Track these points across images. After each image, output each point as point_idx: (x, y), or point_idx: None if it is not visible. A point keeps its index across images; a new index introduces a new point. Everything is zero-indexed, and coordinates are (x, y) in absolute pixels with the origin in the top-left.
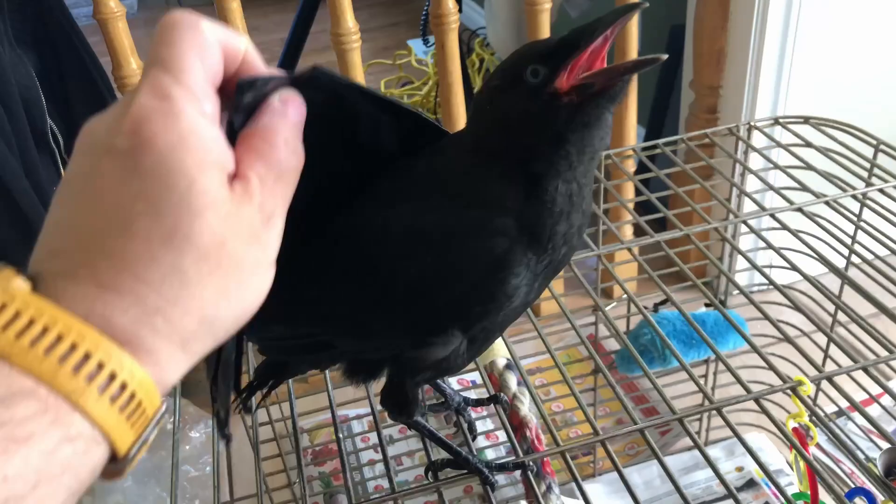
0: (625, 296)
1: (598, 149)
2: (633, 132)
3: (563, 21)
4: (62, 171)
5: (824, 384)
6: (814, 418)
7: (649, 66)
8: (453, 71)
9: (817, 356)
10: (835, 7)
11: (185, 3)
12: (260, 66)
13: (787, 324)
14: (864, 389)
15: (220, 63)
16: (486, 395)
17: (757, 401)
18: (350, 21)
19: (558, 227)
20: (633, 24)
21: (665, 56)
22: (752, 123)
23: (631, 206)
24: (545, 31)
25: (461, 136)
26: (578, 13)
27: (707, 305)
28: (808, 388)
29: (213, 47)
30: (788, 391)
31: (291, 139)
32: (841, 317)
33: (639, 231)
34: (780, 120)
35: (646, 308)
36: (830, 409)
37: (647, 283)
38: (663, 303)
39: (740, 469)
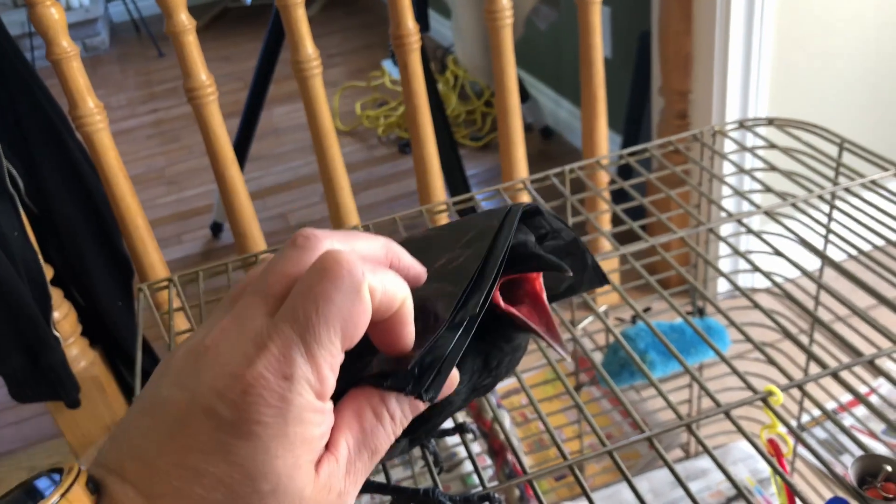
0: (603, 307)
1: None
2: (604, 142)
3: (531, 32)
4: (22, 214)
5: (812, 386)
6: (791, 428)
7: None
8: (418, 91)
9: (802, 359)
10: (797, 8)
11: (153, 32)
12: (409, 326)
13: (770, 328)
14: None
15: (366, 325)
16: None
17: (727, 414)
18: (309, 48)
19: None
20: (597, 33)
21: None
22: (717, 129)
23: (607, 216)
24: (508, 47)
25: None
26: (546, 25)
27: (690, 313)
28: (779, 398)
29: (367, 315)
30: (760, 402)
31: (397, 427)
32: (824, 315)
33: (623, 240)
34: (746, 123)
35: (622, 321)
36: (828, 405)
37: (630, 293)
38: (646, 311)
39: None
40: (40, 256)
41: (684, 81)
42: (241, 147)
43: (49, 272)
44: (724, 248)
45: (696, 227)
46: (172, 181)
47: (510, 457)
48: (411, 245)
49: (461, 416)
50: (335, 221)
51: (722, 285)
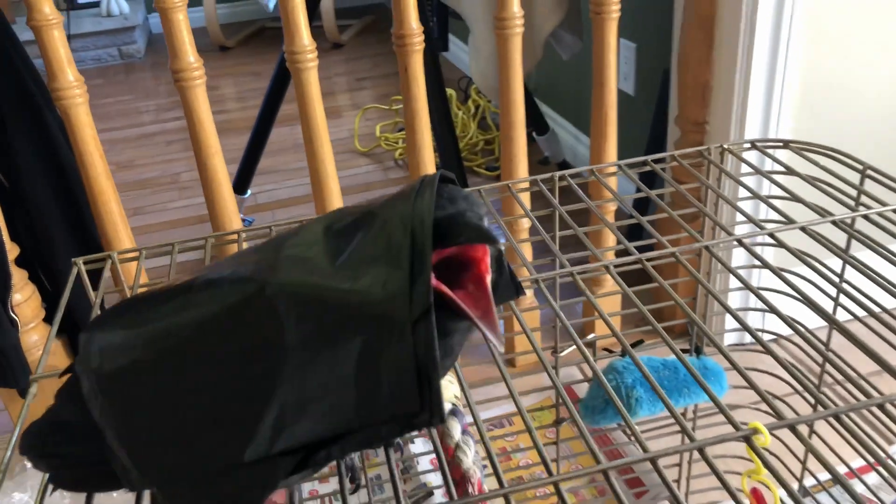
0: (591, 336)
1: None
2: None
3: (554, 65)
4: None
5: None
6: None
7: None
8: (418, 96)
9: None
10: (823, 38)
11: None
12: None
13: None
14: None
15: None
16: None
17: (701, 451)
18: (305, 38)
19: None
20: (612, 52)
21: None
22: (727, 146)
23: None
24: (516, 58)
25: None
26: (569, 55)
27: (686, 350)
28: (766, 439)
29: None
30: (741, 440)
31: None
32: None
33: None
34: (758, 144)
35: (611, 352)
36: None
37: (629, 321)
38: (633, 346)
39: None
40: (4, 234)
41: (701, 111)
42: (250, 158)
43: (14, 251)
44: (734, 282)
45: (691, 245)
46: (186, 187)
47: (470, 488)
48: (346, 213)
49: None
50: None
51: (731, 322)
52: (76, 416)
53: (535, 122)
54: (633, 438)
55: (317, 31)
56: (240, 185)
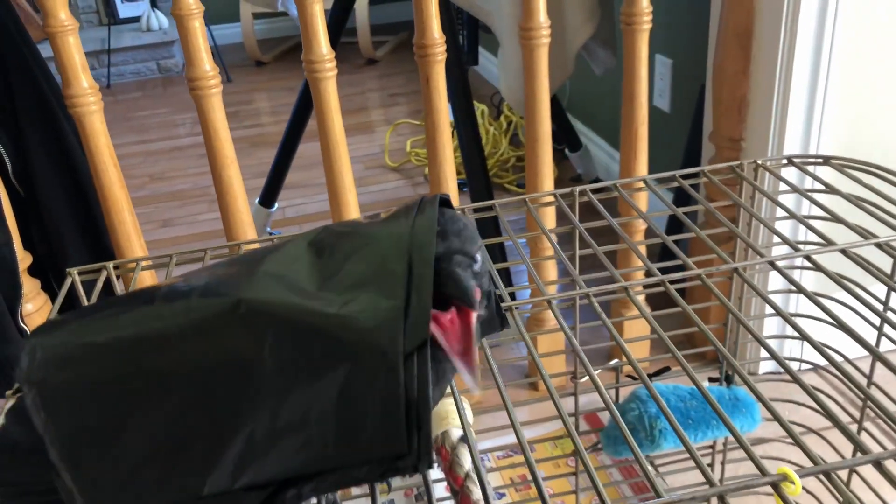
0: (614, 361)
1: None
2: None
3: (588, 82)
4: (1, 194)
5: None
6: None
7: None
8: (440, 108)
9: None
10: (866, 50)
11: (224, 60)
12: None
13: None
14: None
15: None
16: None
17: (721, 498)
18: (324, 47)
19: None
20: (643, 64)
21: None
22: (760, 162)
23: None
24: (542, 69)
25: None
26: (603, 71)
27: (711, 381)
28: (796, 487)
29: None
30: (769, 486)
31: None
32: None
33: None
34: (795, 160)
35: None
36: None
37: (658, 346)
38: (658, 373)
39: None
40: (17, 241)
41: (737, 128)
42: (278, 172)
43: (27, 260)
44: (770, 308)
45: (719, 267)
46: (216, 199)
47: None
48: (334, 231)
49: None
50: None
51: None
52: (24, 437)
53: (568, 139)
54: (658, 471)
55: (352, 47)
56: (267, 199)
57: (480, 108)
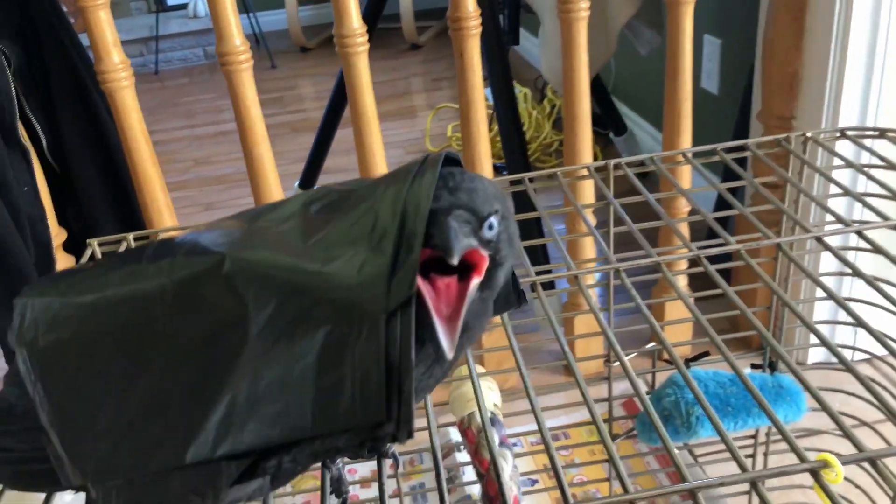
0: (650, 345)
1: None
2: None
3: (633, 64)
4: (36, 170)
5: None
6: None
7: None
8: (475, 84)
9: None
10: None
11: (269, 46)
12: None
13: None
14: None
15: None
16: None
17: (754, 483)
18: (355, 21)
19: None
20: (687, 38)
21: None
22: (810, 135)
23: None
24: (581, 44)
25: None
26: (648, 51)
27: (754, 367)
28: (838, 475)
29: None
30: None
31: None
32: None
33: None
34: (849, 133)
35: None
36: None
37: (683, 331)
38: (696, 358)
39: None
40: (52, 217)
41: (787, 105)
42: (317, 155)
43: (62, 236)
44: (821, 292)
45: (759, 241)
46: None
47: None
48: (333, 189)
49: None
50: None
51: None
52: (19, 399)
53: (614, 123)
54: (697, 461)
55: (395, 32)
56: (307, 182)
57: (523, 91)
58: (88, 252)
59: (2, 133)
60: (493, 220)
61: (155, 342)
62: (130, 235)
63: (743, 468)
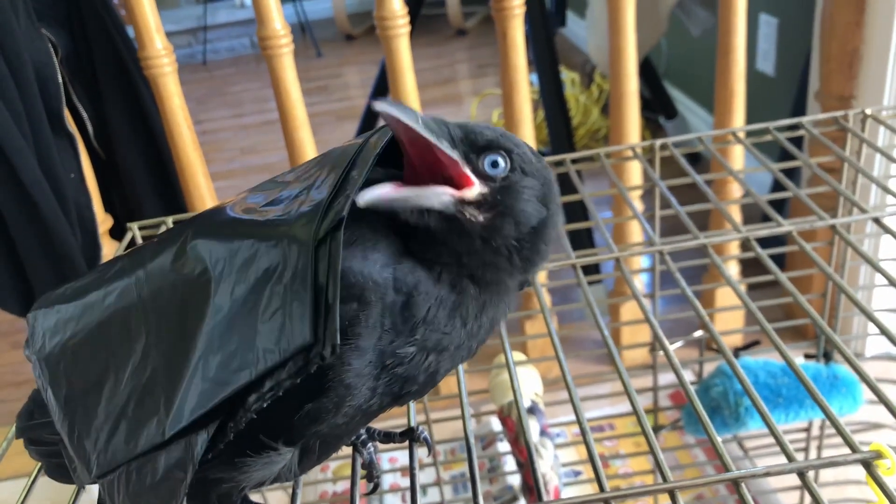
0: (697, 333)
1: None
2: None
3: (684, 47)
4: (82, 157)
5: None
6: None
7: None
8: (517, 64)
9: None
10: None
11: (315, 35)
12: None
13: None
14: None
15: None
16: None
17: (801, 474)
18: (396, 3)
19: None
20: (737, 15)
21: None
22: (868, 112)
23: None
24: (629, 22)
25: None
26: (700, 32)
27: (807, 357)
28: (893, 466)
29: None
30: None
31: None
32: None
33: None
34: None
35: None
36: None
37: (735, 318)
38: (746, 347)
39: None
40: (98, 204)
41: (847, 84)
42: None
43: (108, 223)
44: (882, 278)
45: (813, 223)
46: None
47: (546, 496)
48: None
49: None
50: None
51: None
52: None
53: (664, 107)
54: (747, 453)
55: (441, 18)
56: None
57: (571, 76)
58: (128, 236)
59: (49, 121)
60: (498, 157)
61: (138, 325)
62: (170, 219)
63: (790, 457)
